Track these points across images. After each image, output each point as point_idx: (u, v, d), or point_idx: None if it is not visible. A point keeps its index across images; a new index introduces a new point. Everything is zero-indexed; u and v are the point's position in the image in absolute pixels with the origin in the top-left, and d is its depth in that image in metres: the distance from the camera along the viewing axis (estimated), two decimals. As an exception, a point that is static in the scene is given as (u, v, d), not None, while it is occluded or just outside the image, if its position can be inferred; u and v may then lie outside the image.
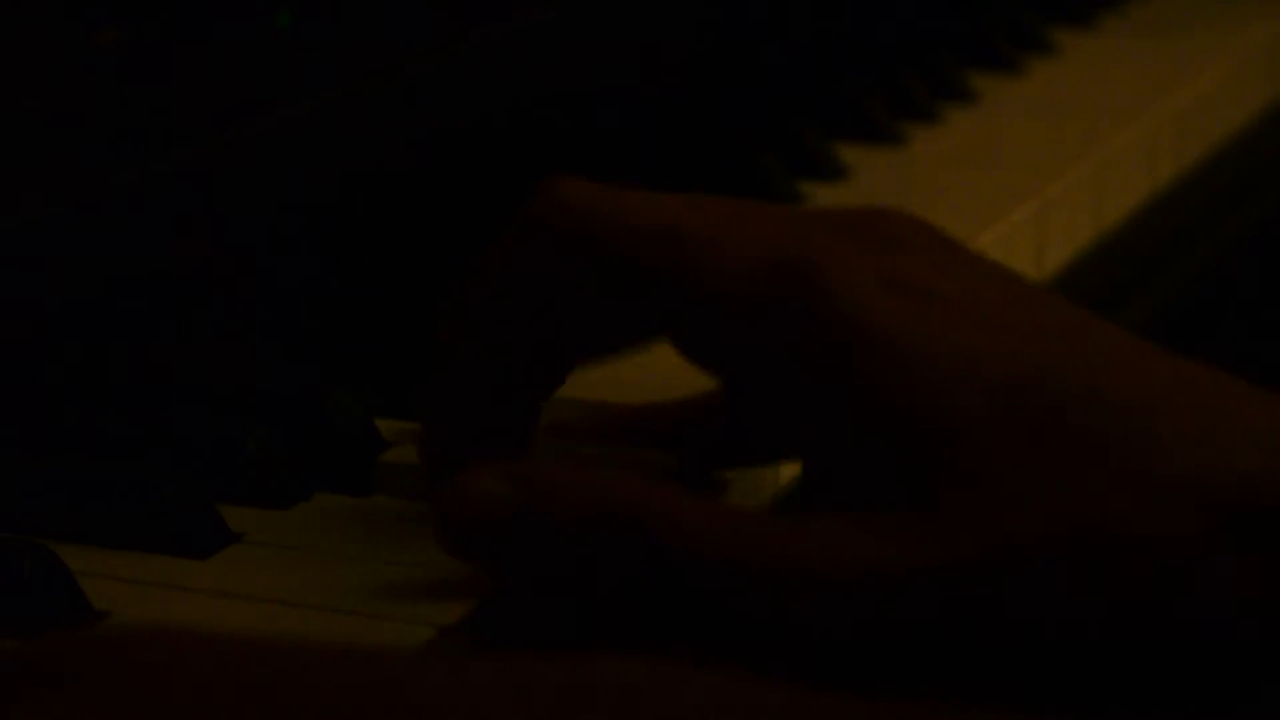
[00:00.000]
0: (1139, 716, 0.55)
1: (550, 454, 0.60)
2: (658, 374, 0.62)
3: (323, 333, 0.68)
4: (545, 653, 0.39)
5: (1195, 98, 0.92)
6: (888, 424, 0.52)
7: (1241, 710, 0.54)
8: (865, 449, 0.52)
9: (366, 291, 0.70)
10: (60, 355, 0.65)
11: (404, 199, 0.78)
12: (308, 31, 0.81)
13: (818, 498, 0.54)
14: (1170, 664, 0.51)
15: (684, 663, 0.37)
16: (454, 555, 0.52)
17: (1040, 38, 0.98)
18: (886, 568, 0.50)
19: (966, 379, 0.52)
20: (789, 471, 0.60)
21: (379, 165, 0.81)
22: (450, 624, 0.51)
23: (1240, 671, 0.51)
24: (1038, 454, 0.51)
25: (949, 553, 0.51)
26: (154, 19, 0.75)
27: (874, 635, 0.51)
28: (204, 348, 0.66)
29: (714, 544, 0.51)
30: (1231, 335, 0.96)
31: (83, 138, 0.73)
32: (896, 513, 0.51)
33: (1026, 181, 0.78)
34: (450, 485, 0.52)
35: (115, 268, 0.70)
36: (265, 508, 0.55)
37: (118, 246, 0.71)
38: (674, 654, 0.38)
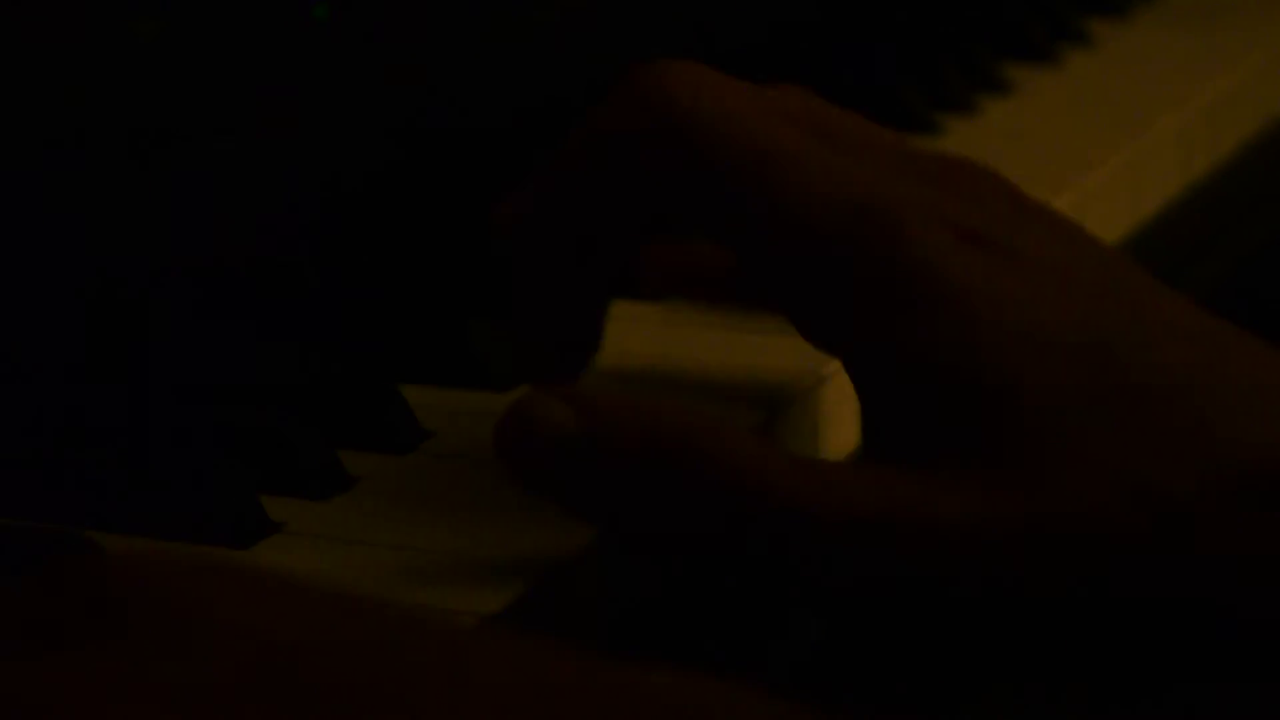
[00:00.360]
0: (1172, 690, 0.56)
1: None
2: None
3: (368, 327, 0.67)
4: (592, 653, 0.38)
5: (1230, 89, 0.92)
6: (951, 379, 0.52)
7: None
8: (927, 401, 0.52)
9: (410, 283, 0.69)
10: (105, 346, 0.65)
11: (446, 194, 0.77)
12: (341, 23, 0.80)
13: (872, 443, 0.55)
14: (1203, 637, 0.52)
15: (739, 687, 0.36)
16: (519, 481, 0.52)
17: (1075, 28, 0.97)
18: (942, 521, 0.51)
19: (1034, 340, 0.52)
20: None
21: (418, 158, 0.80)
22: (494, 612, 0.50)
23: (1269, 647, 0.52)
24: (1096, 419, 0.51)
25: (1001, 510, 0.51)
26: (194, 12, 0.75)
27: (918, 588, 0.51)
28: (248, 340, 0.66)
29: (772, 484, 0.51)
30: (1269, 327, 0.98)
31: (119, 135, 0.73)
32: (951, 467, 0.52)
33: (1064, 173, 0.78)
34: (514, 408, 0.52)
35: (160, 261, 0.70)
36: (306, 499, 0.55)
37: (162, 240, 0.70)
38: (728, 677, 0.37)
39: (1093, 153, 0.80)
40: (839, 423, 0.63)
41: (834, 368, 0.61)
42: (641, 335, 0.63)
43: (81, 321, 0.66)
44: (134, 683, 0.35)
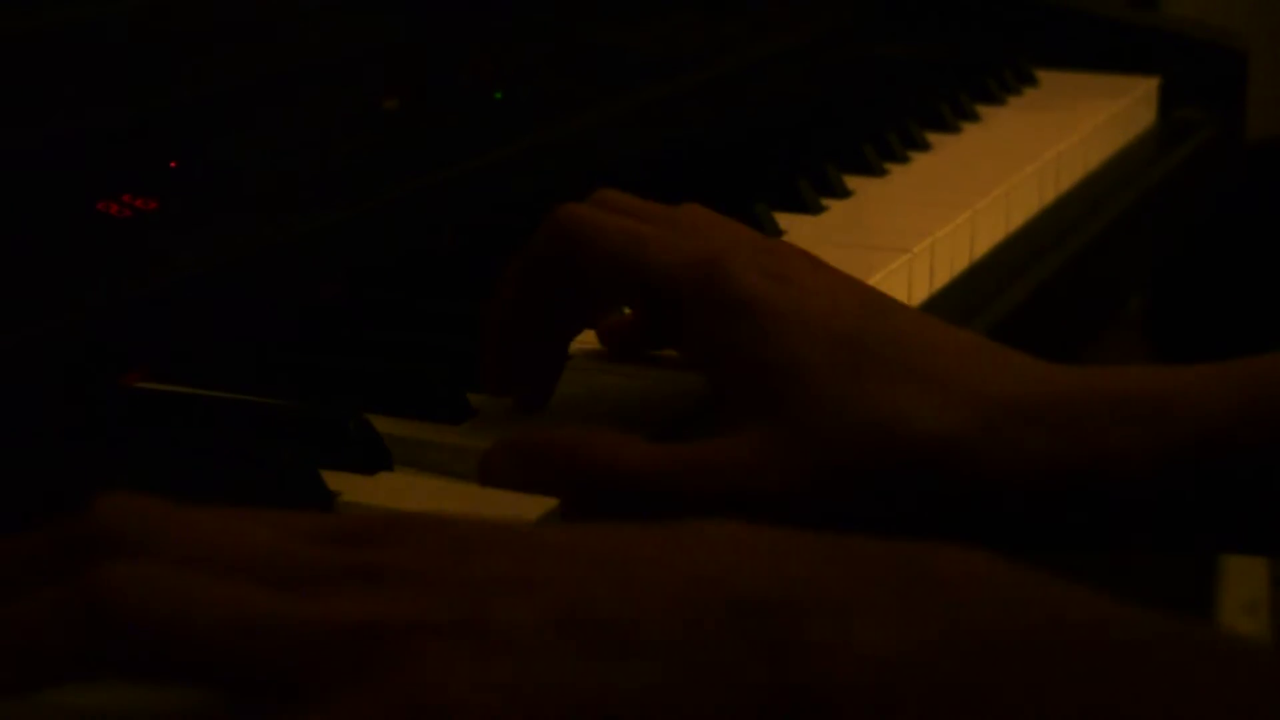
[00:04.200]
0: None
1: (588, 376, 0.66)
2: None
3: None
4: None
5: (1068, 149, 1.05)
6: (758, 361, 0.58)
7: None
8: (745, 379, 0.59)
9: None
10: (189, 348, 0.69)
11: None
12: (512, 101, 0.95)
13: (724, 417, 0.60)
14: (963, 525, 0.57)
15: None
16: (490, 485, 0.58)
17: (969, 110, 1.14)
18: (753, 469, 0.57)
19: (810, 333, 0.58)
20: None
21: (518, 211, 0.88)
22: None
23: (1015, 529, 0.58)
24: (857, 381, 0.58)
25: (793, 454, 0.57)
26: (420, 90, 0.91)
27: (763, 507, 0.57)
28: (319, 348, 0.71)
29: (626, 463, 0.57)
30: (1093, 299, 0.99)
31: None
32: (760, 427, 0.57)
33: (963, 198, 0.91)
34: (483, 458, 0.58)
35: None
36: (359, 473, 0.59)
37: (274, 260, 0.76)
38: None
39: (982, 186, 0.94)
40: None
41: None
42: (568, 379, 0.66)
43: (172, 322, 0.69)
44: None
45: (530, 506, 0.55)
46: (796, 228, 0.88)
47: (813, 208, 0.91)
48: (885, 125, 1.03)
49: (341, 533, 0.42)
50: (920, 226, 0.86)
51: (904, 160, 1.02)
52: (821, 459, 0.56)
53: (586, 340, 0.68)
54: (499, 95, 0.96)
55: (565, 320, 0.63)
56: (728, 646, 0.38)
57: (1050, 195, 1.01)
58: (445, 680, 0.38)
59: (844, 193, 0.95)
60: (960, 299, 0.86)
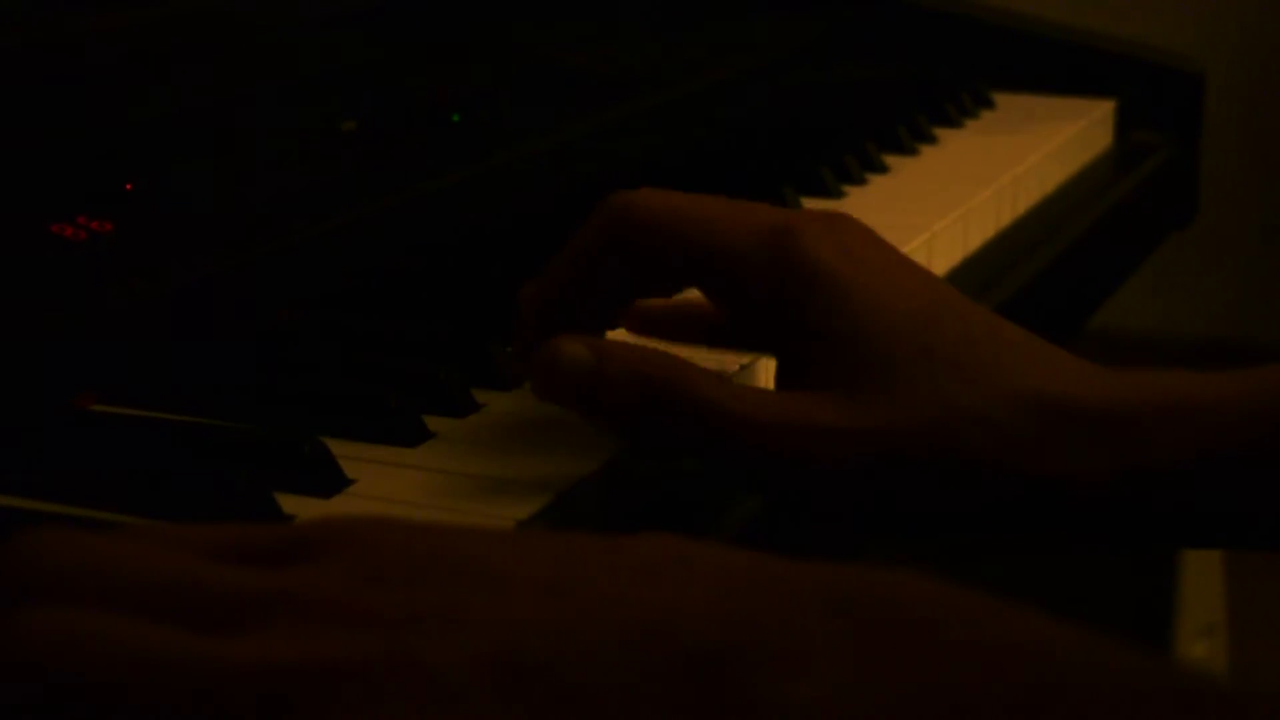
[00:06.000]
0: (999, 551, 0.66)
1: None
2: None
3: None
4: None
5: (1023, 172, 1.05)
6: (835, 332, 0.60)
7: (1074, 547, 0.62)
8: (819, 351, 0.60)
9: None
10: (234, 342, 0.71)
11: (523, 239, 0.86)
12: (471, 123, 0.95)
13: (786, 384, 0.62)
14: (1008, 520, 0.59)
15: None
16: (545, 399, 0.59)
17: (928, 133, 1.14)
18: (832, 425, 0.58)
19: (884, 310, 0.60)
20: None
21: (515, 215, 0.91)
22: (523, 519, 0.57)
23: (1058, 526, 0.60)
24: (924, 362, 0.59)
25: (864, 421, 0.59)
26: (378, 113, 0.91)
27: (824, 474, 0.58)
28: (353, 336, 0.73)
29: (719, 403, 0.58)
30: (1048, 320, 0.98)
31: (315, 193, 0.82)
32: (835, 393, 0.59)
33: (921, 221, 0.91)
34: (546, 345, 0.59)
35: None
36: (316, 496, 0.59)
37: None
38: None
39: (939, 209, 0.94)
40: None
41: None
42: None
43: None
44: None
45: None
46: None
47: (771, 229, 0.90)
48: (843, 148, 1.04)
49: (274, 547, 0.41)
50: (878, 249, 0.84)
51: (861, 183, 1.03)
52: (892, 432, 0.57)
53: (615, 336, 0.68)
54: (456, 118, 0.96)
55: (610, 307, 0.64)
56: (671, 699, 0.36)
57: (1008, 218, 1.02)
58: None
59: (802, 215, 0.94)
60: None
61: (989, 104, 1.25)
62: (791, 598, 0.37)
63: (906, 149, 1.11)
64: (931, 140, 1.14)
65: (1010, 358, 0.60)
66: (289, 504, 0.57)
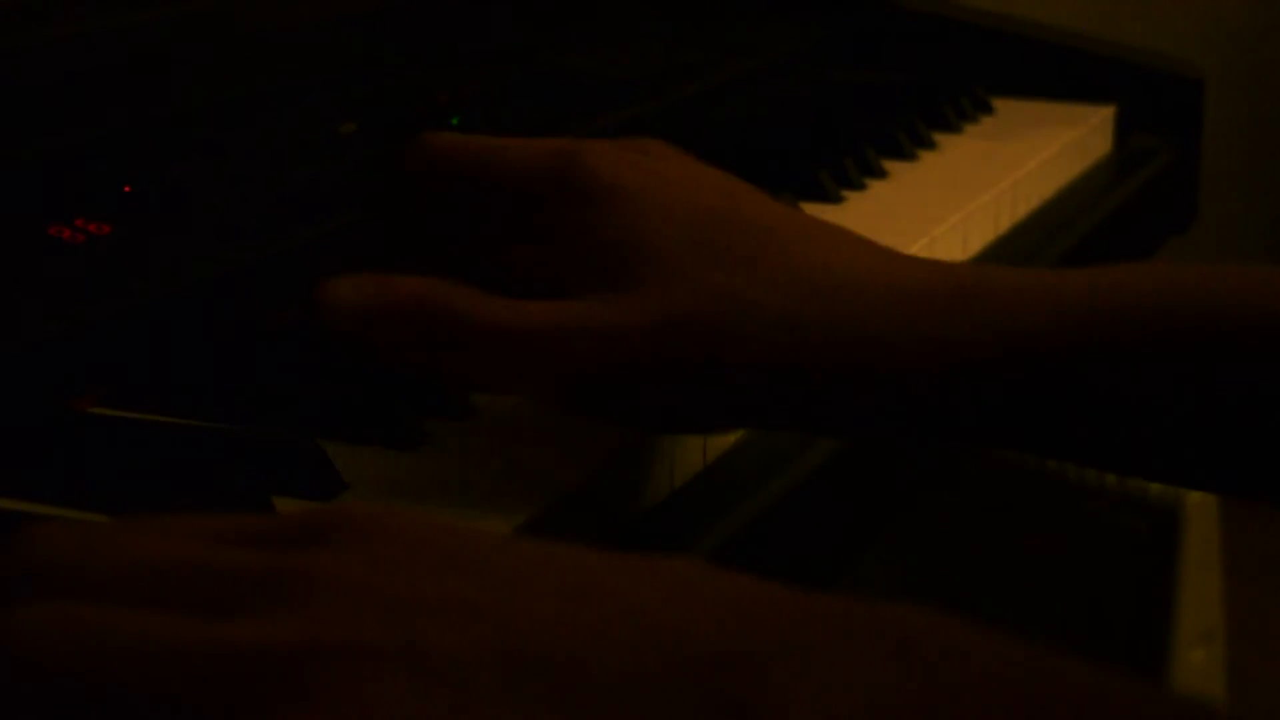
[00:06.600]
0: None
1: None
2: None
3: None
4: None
5: (1022, 177, 1.05)
6: (617, 242, 0.60)
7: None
8: (602, 259, 0.60)
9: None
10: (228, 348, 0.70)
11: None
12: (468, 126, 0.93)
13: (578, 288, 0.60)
14: (803, 417, 0.59)
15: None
16: (334, 339, 0.59)
17: (927, 139, 1.13)
18: (603, 325, 0.58)
19: (666, 214, 0.60)
20: (716, 444, 0.68)
21: None
22: (519, 523, 0.57)
23: (858, 421, 0.59)
24: (698, 253, 0.59)
25: (646, 317, 0.58)
26: (377, 116, 0.90)
27: (607, 371, 0.58)
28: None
29: (499, 318, 0.58)
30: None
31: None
32: (620, 295, 0.59)
33: (920, 226, 0.91)
34: (322, 287, 0.59)
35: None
36: (314, 500, 0.59)
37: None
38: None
39: (938, 214, 0.94)
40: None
41: None
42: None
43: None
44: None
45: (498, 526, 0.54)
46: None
47: (769, 235, 0.90)
48: (842, 153, 1.03)
49: (282, 532, 0.40)
50: (877, 254, 0.84)
51: (861, 188, 1.02)
52: (667, 324, 0.57)
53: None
54: (455, 121, 0.95)
55: (458, 257, 0.63)
56: (681, 700, 0.35)
57: (1006, 223, 1.01)
58: (376, 709, 0.35)
59: (802, 220, 0.93)
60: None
61: (988, 109, 1.25)
62: (810, 615, 0.37)
63: (906, 154, 1.10)
64: (931, 145, 1.13)
65: (802, 246, 0.60)
66: (286, 507, 0.57)
